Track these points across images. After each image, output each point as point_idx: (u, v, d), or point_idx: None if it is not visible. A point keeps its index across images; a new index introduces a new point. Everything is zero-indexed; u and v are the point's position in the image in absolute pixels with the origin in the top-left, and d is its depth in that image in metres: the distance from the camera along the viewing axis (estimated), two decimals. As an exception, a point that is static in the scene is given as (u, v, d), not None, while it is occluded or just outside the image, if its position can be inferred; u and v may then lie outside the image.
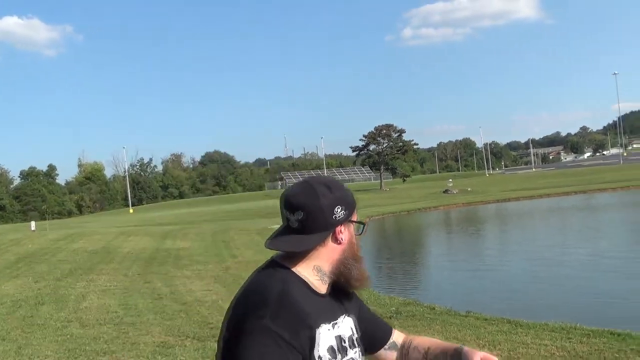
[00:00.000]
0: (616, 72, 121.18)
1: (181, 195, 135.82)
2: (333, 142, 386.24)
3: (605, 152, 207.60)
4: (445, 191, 78.48)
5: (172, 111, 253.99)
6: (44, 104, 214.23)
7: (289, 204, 1.91)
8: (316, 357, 1.83)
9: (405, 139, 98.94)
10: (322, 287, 1.94)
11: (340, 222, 1.92)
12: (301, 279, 1.89)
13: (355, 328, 2.03)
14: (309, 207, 1.88)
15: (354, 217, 2.00)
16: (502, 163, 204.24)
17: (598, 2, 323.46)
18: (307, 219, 1.88)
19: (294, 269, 1.90)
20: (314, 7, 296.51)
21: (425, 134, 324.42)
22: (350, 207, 1.96)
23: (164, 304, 13.14)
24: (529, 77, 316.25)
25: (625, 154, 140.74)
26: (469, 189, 79.31)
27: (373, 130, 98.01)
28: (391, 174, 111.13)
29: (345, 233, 1.95)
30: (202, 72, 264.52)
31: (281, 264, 1.92)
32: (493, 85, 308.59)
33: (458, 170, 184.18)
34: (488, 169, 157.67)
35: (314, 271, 1.92)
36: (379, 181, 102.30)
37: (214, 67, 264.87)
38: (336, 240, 1.93)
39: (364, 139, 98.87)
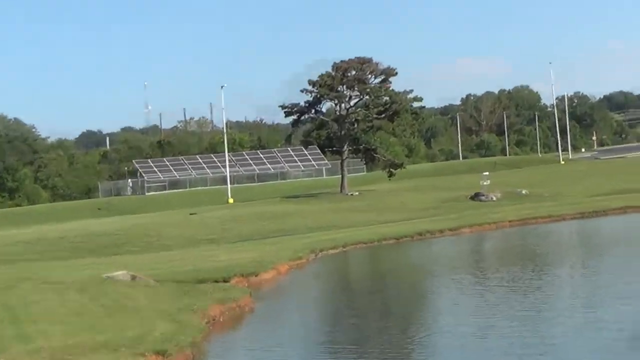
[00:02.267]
0: None
1: None
2: (243, 97, 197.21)
3: None
4: (476, 195, 47.90)
5: None
6: None
7: None
8: None
9: (395, 90, 57.25)
10: None
11: None
12: None
13: None
14: None
15: None
16: (594, 137, 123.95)
17: None
18: None
19: None
20: None
21: (433, 77, 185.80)
22: None
23: None
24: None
25: None
26: (523, 192, 49.17)
27: (330, 71, 56.10)
28: (364, 162, 66.86)
29: None
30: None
31: None
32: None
33: (503, 152, 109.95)
34: (564, 149, 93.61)
35: None
36: (339, 176, 59.58)
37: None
38: None
39: (310, 90, 56.10)
